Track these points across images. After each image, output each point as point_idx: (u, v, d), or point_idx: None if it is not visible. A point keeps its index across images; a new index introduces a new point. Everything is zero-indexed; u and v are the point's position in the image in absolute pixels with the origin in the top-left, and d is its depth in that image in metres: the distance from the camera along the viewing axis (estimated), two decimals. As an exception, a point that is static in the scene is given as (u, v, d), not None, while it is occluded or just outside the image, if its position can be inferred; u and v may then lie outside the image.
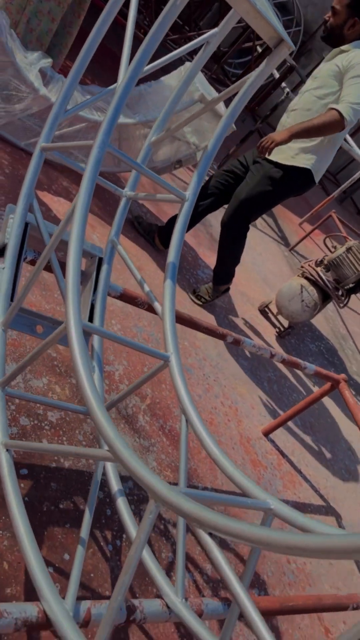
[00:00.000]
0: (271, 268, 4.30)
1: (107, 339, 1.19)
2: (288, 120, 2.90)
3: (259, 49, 5.09)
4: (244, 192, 2.91)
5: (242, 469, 2.37)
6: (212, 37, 1.47)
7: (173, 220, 3.07)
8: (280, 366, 3.30)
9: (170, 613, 1.08)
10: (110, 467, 1.28)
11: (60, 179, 2.91)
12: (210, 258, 3.60)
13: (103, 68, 4.15)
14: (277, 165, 2.86)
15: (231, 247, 3.10)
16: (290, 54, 6.66)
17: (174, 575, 1.20)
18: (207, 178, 3.30)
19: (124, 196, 1.58)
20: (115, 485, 1.24)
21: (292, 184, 2.90)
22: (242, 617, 1.21)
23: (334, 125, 2.62)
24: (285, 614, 1.33)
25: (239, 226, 3.01)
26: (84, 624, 0.97)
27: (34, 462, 1.66)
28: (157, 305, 1.37)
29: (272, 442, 2.69)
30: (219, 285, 3.16)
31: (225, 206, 3.10)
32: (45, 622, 0.90)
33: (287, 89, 4.44)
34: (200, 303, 3.14)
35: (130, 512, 1.20)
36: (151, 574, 1.07)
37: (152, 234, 3.11)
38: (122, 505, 1.20)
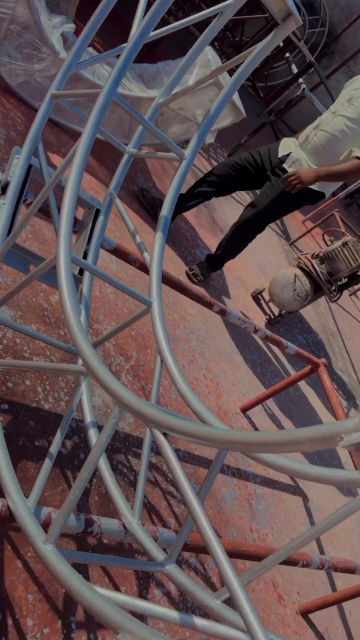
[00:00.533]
0: (269, 259, 4.37)
1: (94, 275, 1.26)
2: (314, 139, 2.99)
3: (281, 43, 5.14)
4: (262, 203, 3.09)
5: (216, 438, 2.44)
6: (227, 8, 1.53)
7: (179, 197, 3.17)
8: (266, 350, 3.38)
9: (126, 533, 1.15)
10: (85, 400, 1.35)
11: (71, 143, 2.96)
12: (209, 240, 3.67)
13: (118, 37, 4.19)
14: None
15: (237, 246, 3.28)
16: (313, 53, 6.69)
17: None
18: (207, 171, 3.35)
19: (127, 152, 1.64)
20: (88, 417, 1.32)
21: (306, 201, 3.13)
22: (192, 548, 1.28)
23: (357, 174, 2.82)
24: (237, 557, 1.40)
25: (253, 231, 3.21)
26: (44, 526, 1.04)
27: (15, 399, 1.73)
28: (146, 255, 1.44)
29: (249, 419, 2.76)
30: (213, 271, 3.30)
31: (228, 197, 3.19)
32: (8, 516, 0.98)
33: (304, 85, 4.49)
34: (196, 281, 3.21)
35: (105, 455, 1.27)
36: (111, 495, 1.14)
37: (155, 208, 3.19)
38: (92, 434, 1.27)
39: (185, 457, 2.20)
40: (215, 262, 3.29)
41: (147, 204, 3.21)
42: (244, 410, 2.74)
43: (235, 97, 3.07)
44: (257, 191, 5.02)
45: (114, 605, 0.76)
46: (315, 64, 4.71)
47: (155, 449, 2.09)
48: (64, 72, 1.46)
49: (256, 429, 2.76)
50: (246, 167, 3.15)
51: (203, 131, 1.45)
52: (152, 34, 1.48)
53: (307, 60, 4.45)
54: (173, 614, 0.80)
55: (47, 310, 2.07)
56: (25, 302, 2.00)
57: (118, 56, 1.56)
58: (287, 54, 5.18)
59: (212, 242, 3.66)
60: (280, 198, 3.05)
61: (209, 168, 4.52)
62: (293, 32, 4.44)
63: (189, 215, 3.64)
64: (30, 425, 1.71)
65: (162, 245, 1.39)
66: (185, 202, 3.18)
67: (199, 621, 0.79)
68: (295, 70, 4.80)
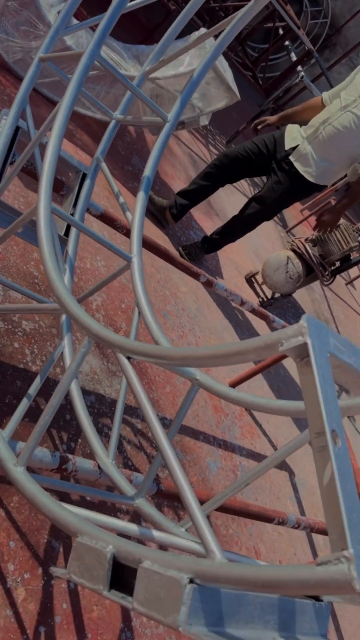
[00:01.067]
0: (264, 244, 4.40)
1: (76, 227, 1.30)
2: (323, 133, 2.99)
3: (281, 31, 5.17)
4: (270, 198, 3.16)
5: (203, 411, 2.49)
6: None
7: (183, 194, 3.20)
8: (257, 331, 3.42)
9: (100, 473, 1.20)
10: (67, 354, 1.40)
11: (66, 122, 3.00)
12: (204, 222, 3.70)
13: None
14: (302, 178, 3.06)
15: (241, 232, 3.35)
16: (314, 45, 6.69)
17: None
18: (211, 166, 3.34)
19: (113, 119, 1.68)
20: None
21: (310, 193, 3.24)
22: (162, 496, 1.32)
23: None
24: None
25: (260, 221, 3.28)
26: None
27: (3, 360, 1.78)
28: (128, 215, 1.48)
29: (238, 395, 2.81)
30: (207, 253, 3.34)
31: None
32: (-16, 446, 1.02)
33: (302, 73, 4.52)
34: (188, 260, 3.25)
35: (80, 389, 1.32)
36: (86, 435, 1.19)
37: (164, 212, 3.20)
38: (73, 384, 1.31)
39: (171, 426, 2.25)
40: (212, 244, 3.33)
41: (155, 209, 3.22)
42: (233, 386, 2.78)
43: (230, 79, 3.10)
44: (256, 179, 5.06)
45: (74, 514, 0.80)
46: (315, 52, 4.73)
47: (142, 416, 2.14)
48: (52, 36, 1.50)
49: (244, 404, 2.80)
50: (249, 157, 3.16)
51: (186, 95, 1.50)
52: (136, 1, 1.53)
53: (306, 48, 4.47)
54: (132, 527, 0.84)
55: (38, 279, 2.11)
56: (15, 269, 2.05)
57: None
58: (287, 42, 5.21)
59: (206, 225, 3.70)
60: (288, 192, 3.13)
61: (207, 155, 4.55)
62: (292, 20, 4.46)
63: (184, 197, 3.67)
64: (17, 385, 1.76)
65: (144, 204, 1.43)
66: (189, 199, 3.20)
67: (157, 534, 0.83)
68: (294, 58, 4.83)
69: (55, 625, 1.46)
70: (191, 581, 0.63)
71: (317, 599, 0.82)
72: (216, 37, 1.62)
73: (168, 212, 3.20)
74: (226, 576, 0.60)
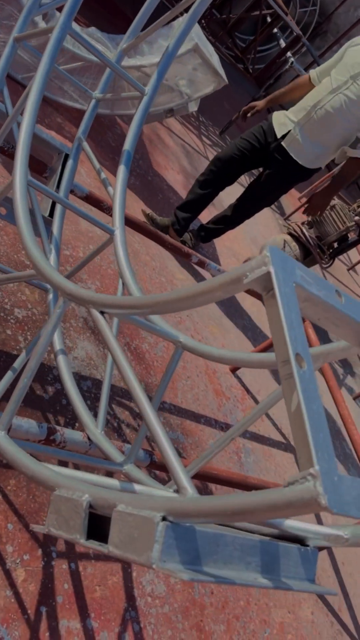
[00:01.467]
0: (262, 231, 4.38)
1: (58, 202, 1.29)
2: (315, 117, 2.94)
3: (269, 19, 5.15)
4: (267, 185, 3.16)
5: (204, 395, 2.48)
6: None
7: (183, 207, 3.19)
8: (256, 316, 3.40)
9: (90, 445, 1.19)
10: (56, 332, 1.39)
11: (55, 115, 3.01)
12: (199, 211, 3.69)
13: (102, 16, 4.24)
14: (296, 164, 3.05)
15: (237, 221, 3.34)
16: (305, 33, 6.66)
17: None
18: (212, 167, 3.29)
19: (94, 98, 1.68)
20: (57, 345, 1.35)
21: (306, 177, 3.21)
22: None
23: (357, 171, 3.10)
24: (207, 480, 1.43)
25: (255, 211, 3.28)
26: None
27: (-4, 347, 1.77)
28: (110, 189, 1.47)
29: (239, 379, 2.79)
30: (203, 241, 3.33)
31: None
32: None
33: (292, 59, 4.49)
34: (184, 249, 3.24)
35: (69, 366, 1.31)
36: (74, 407, 1.18)
37: (166, 230, 3.20)
38: (61, 360, 1.31)
39: (171, 409, 2.24)
40: (209, 232, 3.32)
41: (158, 229, 3.21)
42: (234, 370, 2.76)
43: (216, 64, 3.09)
44: (254, 171, 5.04)
45: (52, 470, 0.79)
46: (304, 38, 4.71)
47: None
48: (25, 16, 1.50)
49: (246, 388, 2.79)
50: (244, 155, 3.13)
51: (162, 67, 1.49)
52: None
53: (295, 34, 4.46)
54: (114, 482, 0.83)
55: (29, 267, 2.11)
56: (6, 258, 2.05)
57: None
58: (276, 30, 5.18)
59: (203, 213, 3.69)
60: (284, 179, 3.14)
61: (200, 145, 4.54)
62: (279, 6, 4.45)
63: (179, 186, 3.67)
64: (10, 371, 1.76)
65: (125, 178, 1.43)
66: (190, 211, 3.19)
67: (138, 487, 0.82)
68: (282, 44, 4.81)
69: (57, 606, 1.45)
70: (164, 519, 0.62)
71: (302, 543, 0.81)
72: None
73: (172, 229, 3.20)
74: (196, 509, 0.59)
